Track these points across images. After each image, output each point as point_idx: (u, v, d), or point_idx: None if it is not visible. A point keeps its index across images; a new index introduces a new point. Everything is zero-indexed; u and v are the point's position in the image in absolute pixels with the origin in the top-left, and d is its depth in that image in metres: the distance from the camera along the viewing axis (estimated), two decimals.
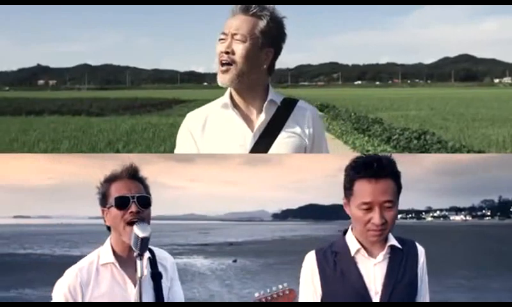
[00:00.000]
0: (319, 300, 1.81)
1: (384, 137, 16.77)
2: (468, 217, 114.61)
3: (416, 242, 1.90)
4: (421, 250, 1.88)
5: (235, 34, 2.09)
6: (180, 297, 2.00)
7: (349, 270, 1.79)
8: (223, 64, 2.10)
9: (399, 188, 1.76)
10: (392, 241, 1.80)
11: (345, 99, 55.96)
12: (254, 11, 2.12)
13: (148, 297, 1.84)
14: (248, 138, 2.15)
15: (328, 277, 1.80)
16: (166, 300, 1.92)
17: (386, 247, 1.78)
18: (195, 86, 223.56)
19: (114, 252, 1.81)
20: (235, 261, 16.05)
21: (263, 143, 2.15)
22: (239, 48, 2.09)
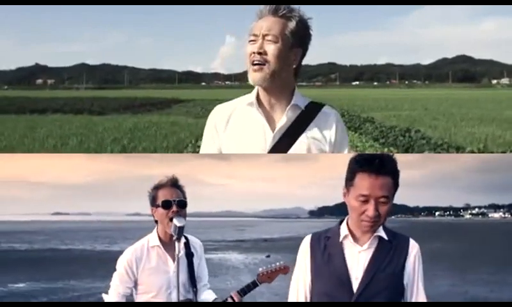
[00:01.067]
0: (309, 277, 1.96)
1: (374, 135, 17.70)
2: (507, 215, 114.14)
3: (412, 239, 1.98)
4: (413, 245, 1.96)
5: (266, 34, 2.18)
6: (205, 272, 2.66)
7: (336, 253, 1.92)
8: (255, 64, 2.18)
9: (396, 186, 1.86)
10: (380, 232, 1.90)
11: (341, 99, 56.69)
12: (283, 12, 2.21)
13: (183, 270, 2.48)
14: (268, 139, 2.22)
15: (318, 259, 1.94)
16: (196, 273, 2.55)
17: (373, 237, 1.89)
18: (193, 86, 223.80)
19: (159, 238, 2.50)
20: (268, 256, 16.70)
21: (282, 145, 2.21)
22: (271, 49, 2.18)
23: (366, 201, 1.82)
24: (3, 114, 33.52)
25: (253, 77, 2.18)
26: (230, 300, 2.54)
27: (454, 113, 32.60)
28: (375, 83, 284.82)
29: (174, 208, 2.41)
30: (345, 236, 1.90)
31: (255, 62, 2.17)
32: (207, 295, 2.61)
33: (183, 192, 2.50)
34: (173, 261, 2.46)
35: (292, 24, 2.19)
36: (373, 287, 1.86)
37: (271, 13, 2.20)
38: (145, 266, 2.48)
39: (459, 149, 12.54)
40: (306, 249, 1.97)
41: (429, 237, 30.55)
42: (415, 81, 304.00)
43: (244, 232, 38.47)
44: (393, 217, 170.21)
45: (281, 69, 2.19)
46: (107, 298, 2.54)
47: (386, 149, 14.21)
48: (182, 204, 2.44)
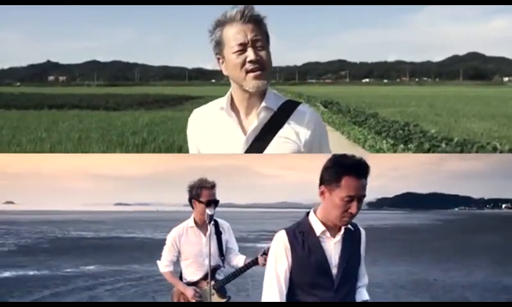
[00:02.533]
0: (289, 270, 2.10)
1: (377, 129, 18.77)
2: None
3: (359, 225, 2.24)
4: (363, 231, 2.24)
5: (255, 41, 2.18)
6: (235, 245, 3.47)
7: (315, 247, 2.11)
8: (254, 71, 2.17)
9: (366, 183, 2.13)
10: (348, 225, 2.13)
11: (350, 96, 57.21)
12: (257, 15, 2.21)
13: (214, 245, 3.31)
14: (241, 142, 2.24)
15: (298, 253, 2.10)
16: (224, 246, 3.39)
17: (343, 229, 2.12)
18: (203, 83, 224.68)
19: (195, 221, 3.37)
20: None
21: (256, 148, 2.23)
22: (264, 53, 2.20)
23: (351, 201, 2.02)
24: (23, 110, 34.92)
25: (254, 84, 2.18)
26: (260, 257, 3.22)
27: (458, 110, 33.37)
28: (385, 80, 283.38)
29: (212, 205, 3.25)
30: (323, 232, 2.11)
31: (255, 69, 2.17)
32: (238, 259, 3.43)
33: (215, 194, 3.34)
34: (205, 237, 3.34)
35: (264, 26, 2.23)
36: (347, 273, 2.14)
37: (249, 19, 2.19)
38: (185, 241, 3.40)
39: (451, 140, 13.63)
40: (286, 246, 2.11)
41: (493, 229, 31.36)
42: (425, 79, 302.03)
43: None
44: (456, 209, 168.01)
45: (271, 71, 2.25)
46: (159, 263, 3.46)
47: (384, 141, 15.34)
48: (216, 203, 3.30)
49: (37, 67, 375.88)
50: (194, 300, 3.34)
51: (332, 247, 2.12)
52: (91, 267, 12.17)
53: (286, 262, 2.11)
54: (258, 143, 2.22)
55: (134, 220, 39.85)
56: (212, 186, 3.29)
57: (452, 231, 30.66)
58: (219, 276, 3.36)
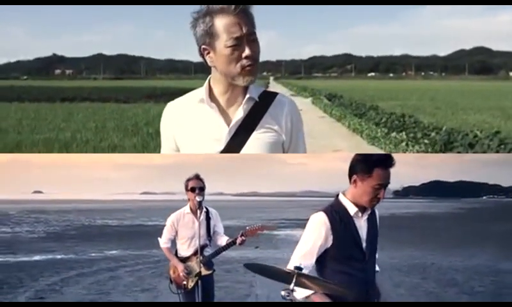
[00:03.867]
0: (323, 248, 2.44)
1: (376, 120, 19.91)
2: None
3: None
4: (376, 211, 2.61)
5: (249, 34, 2.13)
6: (221, 228, 4.26)
7: (350, 224, 2.47)
8: (249, 67, 2.14)
9: None
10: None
11: (354, 90, 57.81)
12: (248, 6, 2.16)
13: (203, 228, 4.09)
14: (223, 133, 2.21)
15: (337, 230, 2.44)
16: (212, 230, 4.18)
17: (369, 209, 2.51)
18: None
19: (190, 208, 4.16)
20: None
21: (239, 138, 2.22)
22: (256, 46, 2.16)
23: (380, 188, 2.41)
24: (37, 102, 36.09)
25: (248, 79, 2.17)
26: (239, 238, 4.04)
27: (458, 103, 34.24)
28: (391, 74, 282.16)
29: (197, 191, 4.09)
30: (356, 212, 2.48)
31: (250, 64, 2.15)
32: (222, 240, 4.21)
33: (202, 181, 4.16)
34: (197, 221, 4.10)
35: (253, 17, 2.18)
36: (373, 246, 2.54)
37: (241, 11, 2.13)
38: (181, 224, 4.23)
39: (440, 130, 14.79)
40: (326, 225, 2.44)
41: None
42: (431, 73, 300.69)
43: None
44: (484, 197, 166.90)
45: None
46: (160, 240, 4.31)
47: (379, 130, 16.51)
48: (203, 190, 4.15)
49: (43, 60, 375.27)
50: (182, 275, 4.15)
51: (362, 225, 2.50)
52: (113, 252, 13.18)
53: (325, 240, 2.43)
54: (241, 134, 2.22)
55: (158, 209, 40.80)
56: (196, 176, 4.17)
57: (471, 220, 31.33)
58: (207, 253, 4.15)
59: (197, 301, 4.02)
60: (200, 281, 3.98)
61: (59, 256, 12.42)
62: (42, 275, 9.61)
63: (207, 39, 2.15)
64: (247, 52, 2.12)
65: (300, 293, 2.36)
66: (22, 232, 19.61)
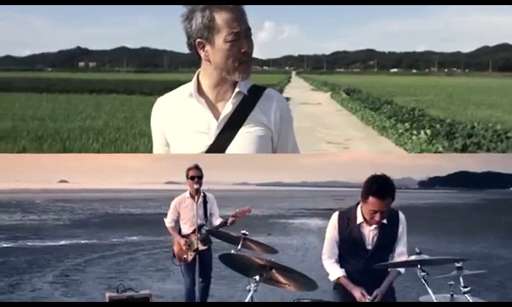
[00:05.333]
0: (336, 243, 2.95)
1: (389, 114, 21.04)
2: None
3: (400, 211, 2.91)
4: (401, 216, 2.94)
5: (247, 30, 2.16)
6: (217, 211, 4.89)
7: (354, 230, 2.87)
8: (246, 62, 2.17)
9: (393, 200, 2.77)
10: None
11: (374, 85, 58.27)
12: (241, 4, 2.17)
13: (201, 210, 4.79)
14: (212, 127, 2.20)
15: (342, 232, 2.89)
16: (208, 211, 4.81)
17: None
18: None
19: (190, 193, 4.87)
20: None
21: (227, 133, 2.20)
22: (252, 43, 2.19)
23: (375, 213, 2.73)
24: (65, 93, 37.39)
25: (244, 75, 2.17)
26: (230, 218, 4.70)
27: (471, 99, 34.80)
28: (414, 70, 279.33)
29: (196, 180, 4.75)
30: (361, 222, 2.82)
31: (246, 60, 2.16)
32: (216, 221, 4.80)
33: (200, 170, 4.75)
34: (196, 204, 4.74)
35: (246, 14, 2.18)
36: (379, 251, 2.85)
37: (237, 6, 2.14)
38: (182, 206, 4.89)
39: (444, 121, 15.92)
40: (335, 223, 2.90)
41: None
42: (454, 69, 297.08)
43: (341, 202, 39.17)
44: (511, 188, 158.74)
45: None
46: (165, 220, 4.93)
47: (387, 121, 17.66)
48: (200, 177, 4.77)
49: (67, 53, 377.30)
50: (184, 247, 4.79)
51: (368, 233, 2.87)
52: (134, 238, 14.12)
53: (335, 237, 2.96)
54: (230, 128, 2.20)
55: None
56: (196, 166, 4.76)
57: (488, 211, 31.69)
58: (203, 231, 4.79)
59: (196, 272, 4.79)
60: (198, 256, 4.74)
61: (83, 241, 13.32)
62: (67, 257, 10.31)
63: (205, 33, 2.14)
64: (245, 48, 2.14)
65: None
66: (49, 219, 20.56)
